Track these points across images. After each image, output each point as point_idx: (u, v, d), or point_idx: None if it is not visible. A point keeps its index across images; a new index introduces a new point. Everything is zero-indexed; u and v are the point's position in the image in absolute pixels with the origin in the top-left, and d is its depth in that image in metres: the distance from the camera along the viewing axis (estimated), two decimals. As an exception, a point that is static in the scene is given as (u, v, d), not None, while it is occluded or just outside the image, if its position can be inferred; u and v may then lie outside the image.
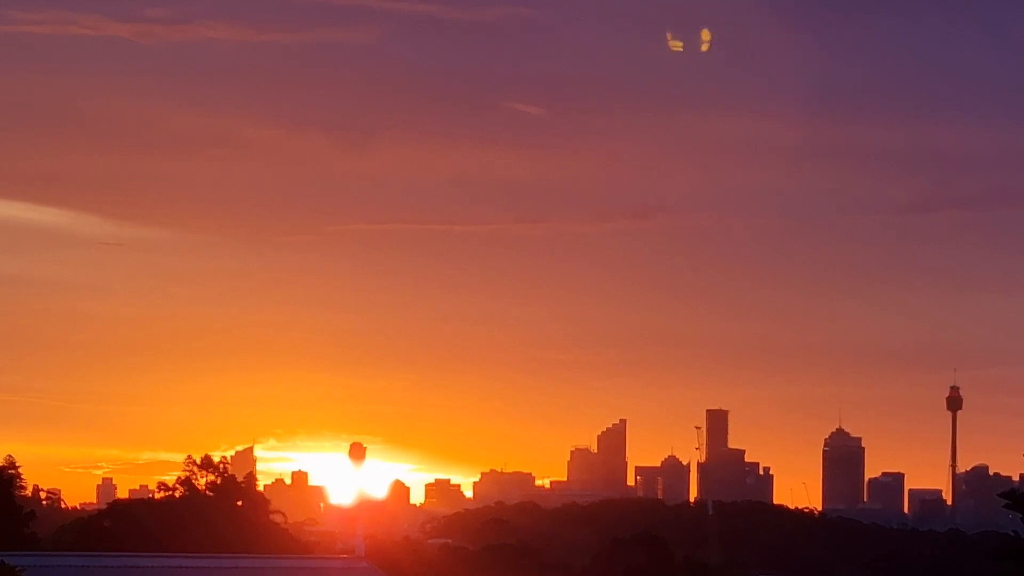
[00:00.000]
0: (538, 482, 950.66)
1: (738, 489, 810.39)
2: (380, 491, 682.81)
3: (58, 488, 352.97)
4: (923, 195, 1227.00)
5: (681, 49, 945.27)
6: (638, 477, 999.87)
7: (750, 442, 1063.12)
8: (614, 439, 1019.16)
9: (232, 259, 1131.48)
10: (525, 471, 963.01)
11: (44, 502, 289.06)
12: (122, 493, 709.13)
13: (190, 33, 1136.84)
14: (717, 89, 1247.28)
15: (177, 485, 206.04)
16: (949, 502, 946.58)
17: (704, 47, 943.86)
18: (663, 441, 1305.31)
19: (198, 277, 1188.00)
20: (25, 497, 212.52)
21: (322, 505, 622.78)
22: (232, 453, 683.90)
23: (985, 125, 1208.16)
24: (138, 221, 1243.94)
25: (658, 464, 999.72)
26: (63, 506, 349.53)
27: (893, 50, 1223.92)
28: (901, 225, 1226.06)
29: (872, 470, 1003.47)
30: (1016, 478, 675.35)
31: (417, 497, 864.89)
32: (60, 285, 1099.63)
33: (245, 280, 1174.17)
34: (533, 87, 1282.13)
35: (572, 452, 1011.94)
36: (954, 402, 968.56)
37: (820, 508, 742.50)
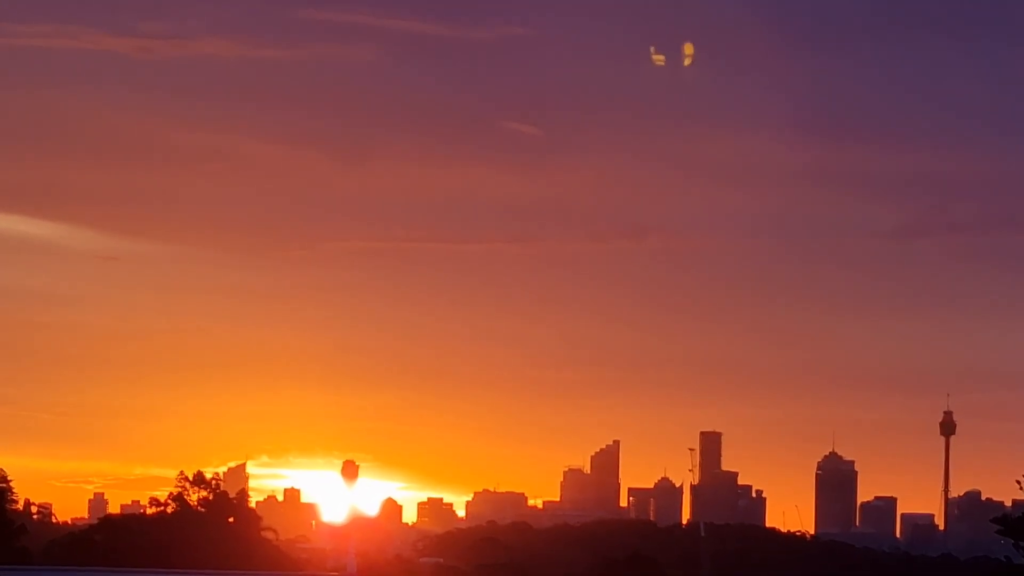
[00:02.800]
0: (531, 502, 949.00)
1: (731, 512, 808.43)
2: (372, 509, 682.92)
3: (49, 502, 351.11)
4: (917, 219, 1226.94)
5: (663, 63, 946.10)
6: (631, 498, 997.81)
7: (743, 464, 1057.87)
8: (607, 460, 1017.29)
9: (227, 274, 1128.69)
10: (518, 491, 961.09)
11: (35, 516, 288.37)
12: (114, 508, 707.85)
13: (188, 48, 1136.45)
14: (713, 111, 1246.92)
15: (169, 501, 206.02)
16: (941, 527, 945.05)
17: (687, 61, 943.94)
18: (656, 462, 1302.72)
19: (193, 292, 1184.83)
20: (16, 511, 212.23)
21: (314, 522, 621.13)
22: (224, 469, 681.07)
23: (979, 150, 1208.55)
24: (133, 235, 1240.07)
25: (651, 486, 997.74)
26: (54, 520, 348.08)
27: (888, 74, 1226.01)
28: (895, 249, 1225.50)
29: (865, 494, 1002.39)
30: (1009, 503, 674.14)
31: (409, 516, 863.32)
32: (54, 298, 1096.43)
33: (239, 296, 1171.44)
34: (529, 107, 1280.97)
35: (565, 472, 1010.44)
36: (947, 427, 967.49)
37: (812, 531, 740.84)
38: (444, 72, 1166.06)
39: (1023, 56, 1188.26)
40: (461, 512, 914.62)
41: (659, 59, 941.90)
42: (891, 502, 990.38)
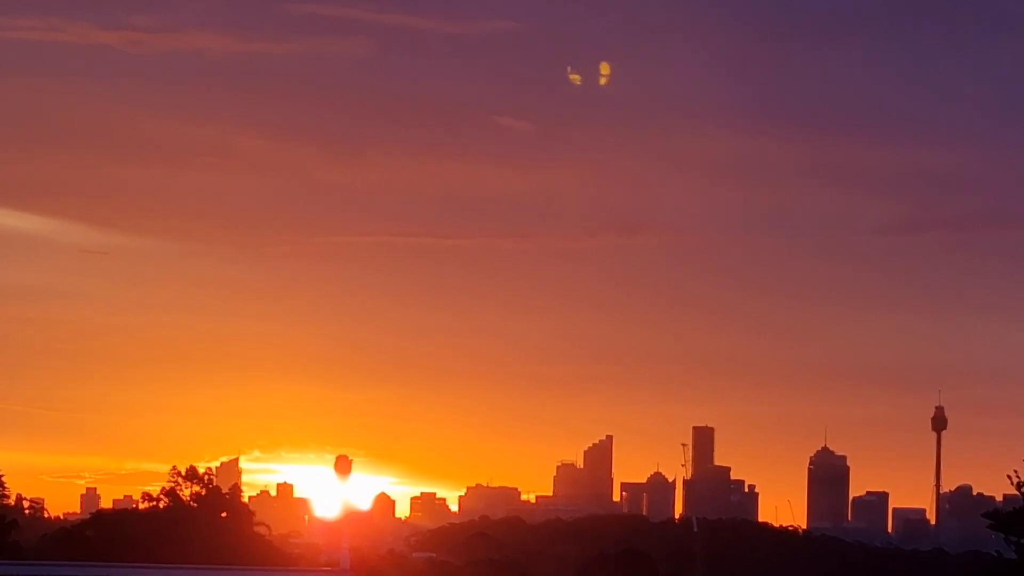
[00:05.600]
0: (524, 497, 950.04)
1: (723, 506, 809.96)
2: (365, 504, 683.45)
3: (41, 497, 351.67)
4: (909, 215, 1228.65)
5: (579, 82, 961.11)
6: (623, 493, 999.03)
7: (735, 459, 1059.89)
8: (600, 454, 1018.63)
9: (218, 269, 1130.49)
10: (511, 486, 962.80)
11: (27, 511, 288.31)
12: (106, 503, 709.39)
13: (178, 42, 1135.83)
14: (705, 107, 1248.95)
15: (162, 496, 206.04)
16: (933, 522, 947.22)
17: (603, 81, 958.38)
18: (649, 457, 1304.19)
19: (183, 287, 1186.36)
20: (8, 506, 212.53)
21: (307, 517, 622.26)
22: (217, 464, 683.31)
23: (974, 147, 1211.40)
24: (123, 230, 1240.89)
25: (643, 480, 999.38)
26: (46, 515, 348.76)
27: (885, 70, 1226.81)
28: (887, 245, 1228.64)
29: (856, 489, 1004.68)
30: (1000, 498, 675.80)
31: (402, 510, 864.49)
32: (44, 293, 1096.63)
33: (231, 290, 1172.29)
34: (521, 102, 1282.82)
35: (558, 467, 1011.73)
36: (939, 422, 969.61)
37: (805, 526, 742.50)
38: (436, 67, 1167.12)
39: (1021, 52, 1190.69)
40: (454, 507, 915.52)
41: (575, 79, 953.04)
42: (883, 497, 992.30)
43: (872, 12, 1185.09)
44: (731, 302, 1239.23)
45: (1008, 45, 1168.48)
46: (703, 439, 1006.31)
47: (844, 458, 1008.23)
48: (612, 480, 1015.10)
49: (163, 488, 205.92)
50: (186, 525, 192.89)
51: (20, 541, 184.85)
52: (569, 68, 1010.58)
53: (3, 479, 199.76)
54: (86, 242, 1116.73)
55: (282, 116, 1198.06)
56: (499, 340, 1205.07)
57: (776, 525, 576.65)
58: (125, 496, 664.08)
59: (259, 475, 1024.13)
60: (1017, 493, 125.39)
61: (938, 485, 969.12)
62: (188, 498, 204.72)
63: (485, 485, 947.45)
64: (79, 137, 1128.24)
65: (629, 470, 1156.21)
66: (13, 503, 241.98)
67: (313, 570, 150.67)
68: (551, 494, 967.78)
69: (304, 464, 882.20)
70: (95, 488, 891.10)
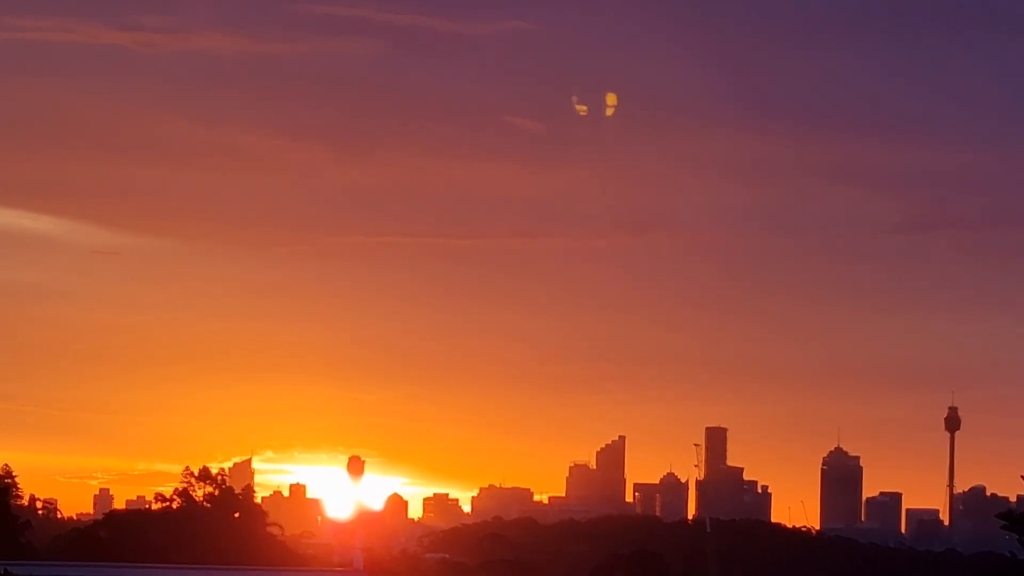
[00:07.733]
0: (536, 497, 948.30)
1: (736, 507, 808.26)
2: (377, 504, 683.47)
3: (54, 498, 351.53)
4: (921, 214, 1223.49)
5: (585, 113, 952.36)
6: (636, 494, 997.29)
7: (749, 460, 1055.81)
8: (613, 455, 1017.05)
9: (229, 269, 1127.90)
10: (523, 486, 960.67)
11: (40, 512, 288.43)
12: (119, 504, 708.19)
13: (190, 42, 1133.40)
14: (714, 106, 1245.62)
15: (175, 496, 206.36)
16: (946, 522, 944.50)
17: (609, 111, 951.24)
18: (662, 458, 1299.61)
19: (195, 287, 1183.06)
20: (21, 507, 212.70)
21: (320, 518, 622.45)
22: (230, 465, 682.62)
23: (984, 145, 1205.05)
24: (135, 230, 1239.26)
25: (656, 481, 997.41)
26: (59, 516, 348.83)
27: (892, 69, 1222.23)
28: (899, 244, 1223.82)
29: (870, 489, 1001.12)
30: (1014, 499, 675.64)
31: (415, 511, 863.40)
32: (56, 293, 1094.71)
33: (242, 290, 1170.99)
34: (532, 102, 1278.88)
35: (571, 468, 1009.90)
36: (952, 422, 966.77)
37: (818, 527, 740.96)
38: (447, 66, 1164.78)
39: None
40: (467, 507, 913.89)
41: (582, 109, 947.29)
42: (896, 497, 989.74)
43: (882, 12, 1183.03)
44: (742, 302, 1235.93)
45: (1019, 44, 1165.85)
46: (716, 439, 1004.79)
47: (857, 458, 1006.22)
48: (625, 481, 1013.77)
49: (176, 489, 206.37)
50: (199, 526, 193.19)
51: (33, 542, 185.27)
52: (575, 98, 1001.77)
53: (16, 480, 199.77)
54: (97, 242, 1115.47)
55: (293, 116, 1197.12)
56: (511, 340, 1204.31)
57: (789, 526, 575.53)
58: (138, 497, 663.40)
59: (272, 476, 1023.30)
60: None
61: (951, 486, 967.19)
62: (201, 499, 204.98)
63: (498, 486, 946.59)
64: (90, 138, 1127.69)
65: (642, 471, 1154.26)
66: (26, 504, 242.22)
67: (326, 570, 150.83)
68: (564, 495, 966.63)
69: (317, 465, 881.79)
70: (108, 489, 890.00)
